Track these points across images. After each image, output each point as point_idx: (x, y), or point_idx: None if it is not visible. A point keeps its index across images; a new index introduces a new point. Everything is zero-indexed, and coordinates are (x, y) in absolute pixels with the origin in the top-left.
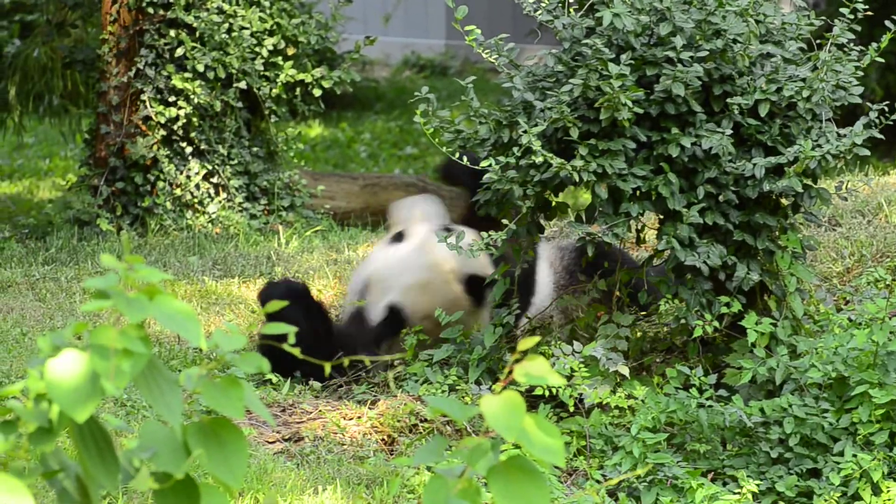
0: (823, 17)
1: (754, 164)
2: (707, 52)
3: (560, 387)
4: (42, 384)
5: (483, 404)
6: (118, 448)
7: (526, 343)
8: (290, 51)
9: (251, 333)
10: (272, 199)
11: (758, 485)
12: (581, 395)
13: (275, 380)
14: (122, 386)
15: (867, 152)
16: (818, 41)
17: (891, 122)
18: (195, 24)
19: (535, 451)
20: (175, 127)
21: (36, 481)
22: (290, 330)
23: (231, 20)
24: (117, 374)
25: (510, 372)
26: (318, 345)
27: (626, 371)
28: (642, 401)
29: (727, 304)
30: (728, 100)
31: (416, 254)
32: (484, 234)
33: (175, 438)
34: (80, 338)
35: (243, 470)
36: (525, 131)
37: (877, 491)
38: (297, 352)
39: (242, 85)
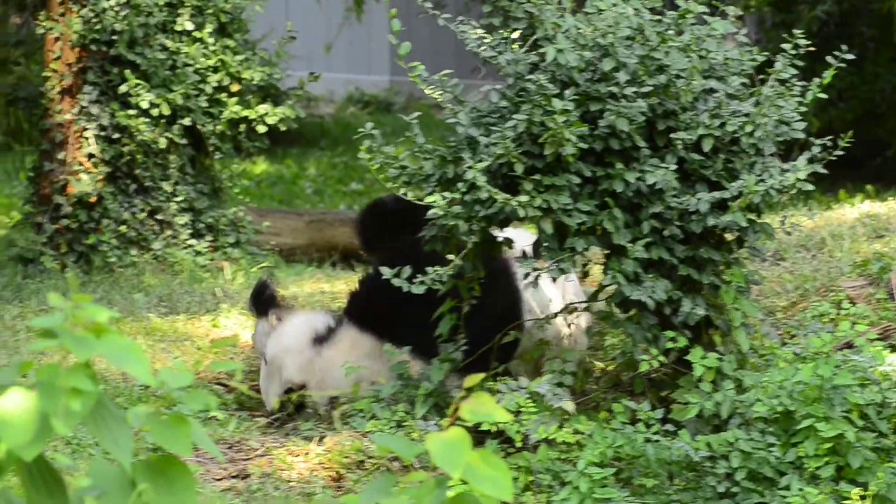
0: (766, 53)
1: (698, 199)
2: (651, 88)
3: (507, 423)
4: None
5: (428, 441)
6: (67, 487)
7: (472, 380)
8: (235, 87)
9: (197, 371)
10: (217, 236)
11: None
12: (528, 430)
13: (220, 417)
14: (72, 425)
15: (811, 187)
16: (761, 77)
17: (833, 157)
18: (139, 61)
19: (481, 486)
20: (119, 164)
21: None
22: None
23: (175, 57)
24: (67, 413)
25: (456, 409)
26: None
27: (571, 407)
28: (589, 436)
29: (673, 339)
30: (672, 135)
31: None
32: (430, 269)
33: (124, 476)
34: (26, 376)
35: None
36: (470, 167)
37: None
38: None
39: (187, 122)
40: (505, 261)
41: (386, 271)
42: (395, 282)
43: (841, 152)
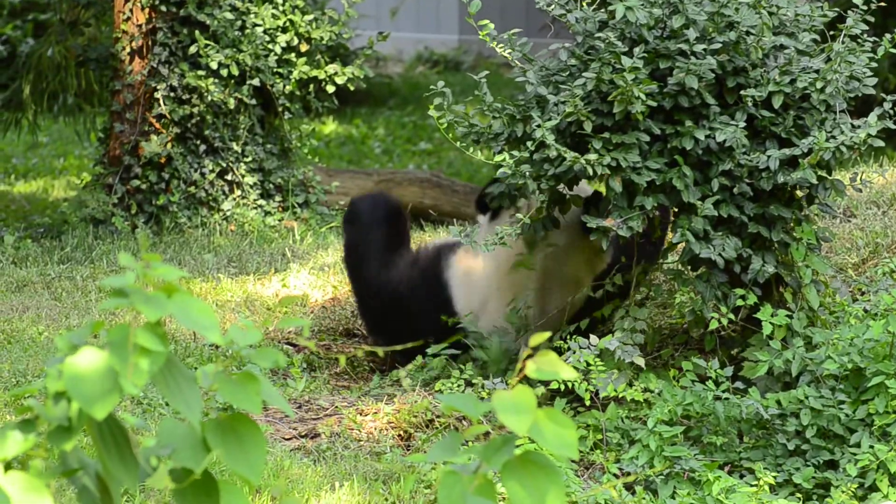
0: (836, 9)
1: (768, 157)
2: (720, 45)
3: (574, 381)
4: (60, 383)
5: (495, 400)
6: (137, 446)
7: (538, 338)
8: (304, 47)
9: (266, 329)
10: (286, 196)
11: (775, 477)
12: (597, 388)
13: (296, 373)
14: (141, 384)
15: (881, 143)
16: (831, 32)
17: None
18: (208, 22)
19: (547, 444)
20: (189, 124)
21: (56, 480)
22: None
23: (244, 17)
24: (136, 373)
25: (522, 367)
26: None
27: (641, 362)
28: (658, 394)
29: (742, 297)
30: (741, 92)
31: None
32: (498, 228)
33: (194, 435)
34: (97, 336)
35: (262, 466)
36: (539, 125)
37: (894, 482)
38: None
39: (256, 82)
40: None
41: (454, 230)
42: (464, 241)
43: None
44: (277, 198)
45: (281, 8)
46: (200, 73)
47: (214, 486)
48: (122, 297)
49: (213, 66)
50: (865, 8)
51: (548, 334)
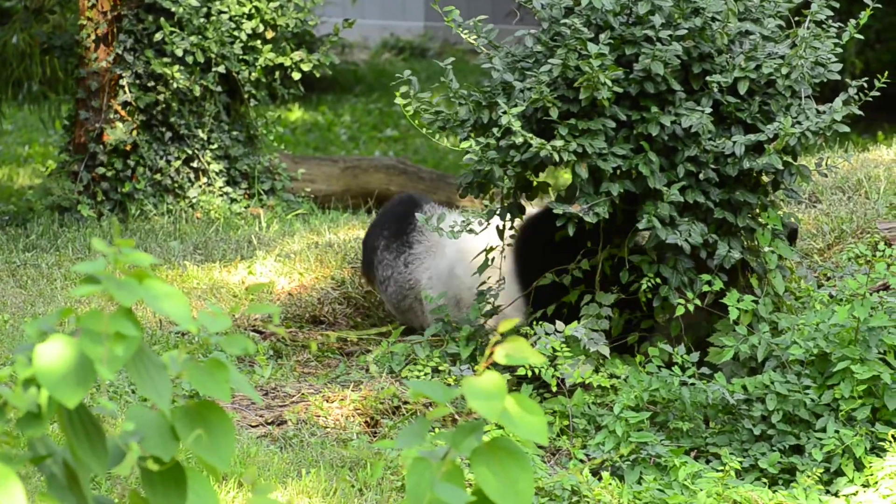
0: None
1: (734, 142)
2: (686, 31)
3: (541, 366)
4: (30, 370)
5: (464, 386)
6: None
7: (507, 324)
8: (269, 34)
9: (234, 316)
10: (252, 183)
11: (740, 462)
12: (563, 375)
13: (262, 360)
14: (116, 370)
15: (847, 129)
16: (796, 18)
17: (870, 99)
18: (173, 9)
19: (517, 430)
20: (154, 112)
21: (24, 467)
22: None
23: (209, 4)
24: (111, 359)
25: (491, 353)
26: None
27: (606, 351)
28: (625, 380)
29: (709, 283)
30: (707, 78)
31: None
32: (464, 214)
33: (163, 422)
34: (64, 324)
35: (231, 453)
36: (504, 112)
37: (859, 466)
38: None
39: (221, 69)
40: None
41: (420, 217)
42: (430, 227)
43: (877, 93)
44: (243, 185)
45: None
46: (166, 60)
47: (182, 474)
48: (94, 283)
49: (179, 53)
50: None
51: (517, 320)
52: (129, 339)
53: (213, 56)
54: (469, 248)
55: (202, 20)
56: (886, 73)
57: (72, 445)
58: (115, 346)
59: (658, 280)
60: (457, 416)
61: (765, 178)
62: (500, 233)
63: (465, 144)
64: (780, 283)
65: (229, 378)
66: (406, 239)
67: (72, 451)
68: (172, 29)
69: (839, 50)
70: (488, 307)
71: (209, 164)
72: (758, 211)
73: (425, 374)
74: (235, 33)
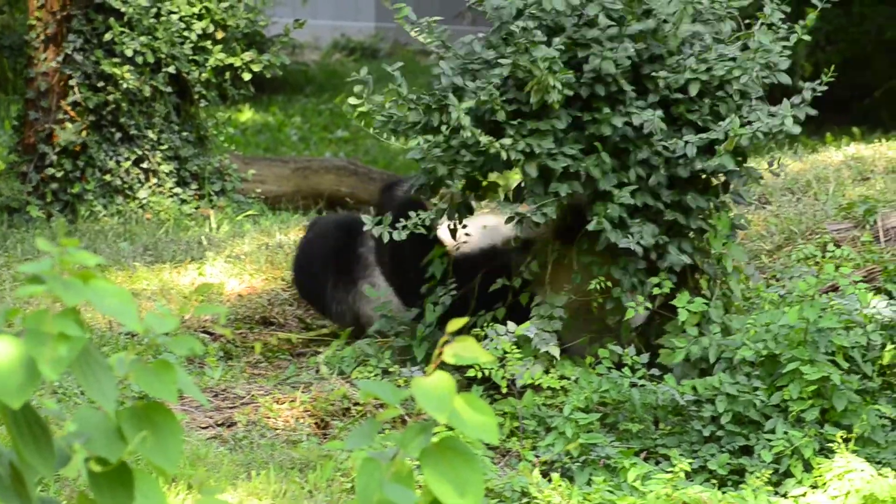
0: None
1: (685, 143)
2: (637, 31)
3: (492, 367)
4: None
5: (414, 386)
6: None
7: (455, 324)
8: (219, 35)
9: (182, 317)
10: (203, 184)
11: (690, 463)
12: (514, 376)
13: (212, 362)
14: (61, 370)
15: (797, 129)
16: (747, 21)
17: (820, 98)
18: (123, 9)
19: (467, 430)
20: (104, 112)
21: None
22: None
23: (159, 4)
24: (55, 359)
25: (440, 353)
26: None
27: (556, 352)
28: (575, 381)
29: (658, 285)
30: (656, 75)
31: None
32: (412, 213)
33: (109, 423)
34: (12, 325)
35: (179, 455)
36: (454, 107)
37: (808, 468)
38: None
39: (171, 70)
40: None
41: (366, 219)
42: (376, 230)
43: (824, 89)
44: (193, 186)
45: None
46: (115, 60)
47: (129, 475)
48: (39, 284)
49: (129, 53)
50: None
51: (465, 320)
52: (73, 339)
53: (163, 56)
54: None
55: (152, 20)
56: (833, 67)
57: (17, 447)
58: (60, 347)
59: (608, 283)
60: (407, 418)
61: (715, 181)
62: (453, 232)
63: (412, 143)
64: (736, 286)
65: (176, 379)
66: (352, 277)
67: (17, 452)
68: (122, 29)
69: (789, 52)
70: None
71: (159, 164)
72: (708, 213)
73: (375, 376)
74: (185, 34)
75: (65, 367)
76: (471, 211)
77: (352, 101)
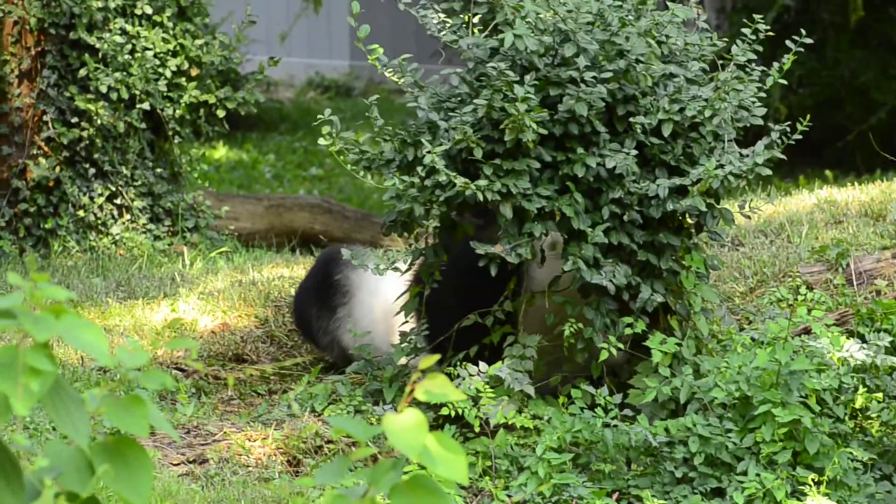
0: (726, 38)
1: (658, 185)
2: (611, 73)
3: (464, 405)
4: None
5: (385, 423)
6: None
7: (427, 361)
8: (194, 72)
9: (154, 353)
10: (176, 221)
11: None
12: (486, 415)
13: (183, 399)
14: (31, 405)
15: (769, 172)
16: (721, 62)
17: (793, 143)
18: (98, 45)
19: (437, 468)
20: (78, 148)
21: None
22: None
23: (134, 41)
24: (25, 394)
25: (412, 391)
26: None
27: (531, 391)
28: (548, 421)
29: (630, 325)
30: (631, 119)
31: None
32: (389, 253)
33: (81, 458)
34: None
35: (149, 489)
36: (429, 151)
37: None
38: None
39: (146, 106)
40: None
41: (345, 252)
42: (355, 262)
43: (799, 136)
44: (167, 222)
45: (171, 32)
46: (90, 96)
47: None
48: (9, 318)
49: (103, 89)
50: (754, 37)
51: (437, 357)
52: (44, 374)
53: (137, 93)
54: (382, 298)
55: (127, 57)
56: (809, 116)
57: None
58: (30, 381)
59: (579, 325)
60: (379, 455)
61: (688, 221)
62: (426, 273)
63: (388, 183)
64: (704, 326)
65: (147, 414)
66: (330, 303)
67: None
68: (97, 65)
69: (763, 94)
70: (409, 347)
71: (133, 200)
72: (681, 253)
73: (347, 413)
74: (160, 70)
75: (35, 401)
76: (447, 250)
77: (322, 141)
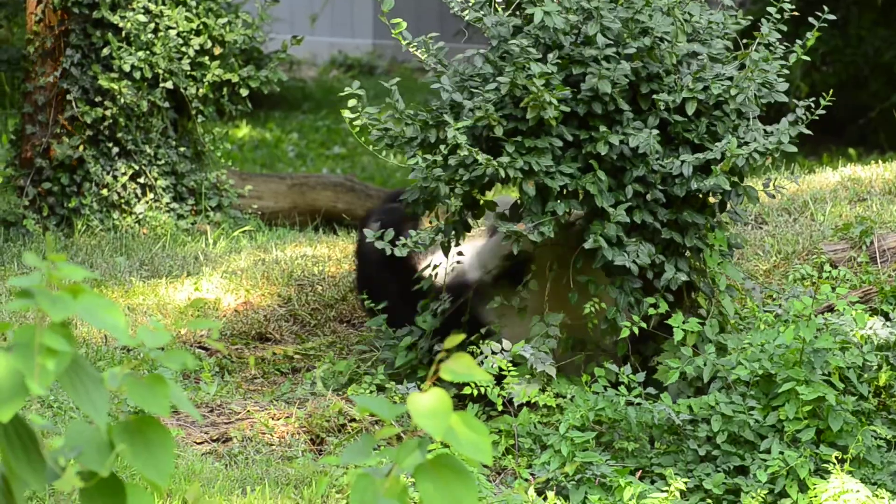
0: (749, 17)
1: (682, 162)
2: (634, 50)
3: (488, 384)
4: None
5: (410, 403)
6: (44, 448)
7: (452, 340)
8: (217, 50)
9: (177, 332)
10: (199, 200)
11: (685, 482)
12: (510, 394)
13: (207, 377)
14: (47, 385)
15: (794, 149)
16: (744, 41)
17: (816, 118)
18: (121, 24)
19: (462, 448)
20: (101, 127)
21: None
22: None
23: (157, 20)
24: (41, 373)
25: (437, 370)
26: None
27: (553, 371)
28: (571, 399)
29: (654, 305)
30: (655, 97)
31: None
32: (412, 231)
33: (101, 437)
34: (5, 338)
35: (170, 468)
36: (451, 126)
37: (803, 488)
38: None
39: (169, 85)
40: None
41: (368, 234)
42: (378, 244)
43: (822, 112)
44: (190, 201)
45: (195, 11)
46: (113, 75)
47: (121, 489)
48: (27, 298)
49: (126, 68)
50: (779, 17)
51: (461, 336)
52: (60, 353)
53: (160, 72)
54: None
55: (150, 36)
56: (832, 92)
57: (7, 460)
58: (46, 361)
59: (603, 305)
60: (402, 434)
61: (712, 199)
62: (446, 249)
63: (411, 161)
64: (729, 305)
65: (169, 393)
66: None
67: (7, 465)
68: (120, 44)
69: (786, 72)
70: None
71: (156, 179)
72: (705, 232)
73: (371, 392)
74: (183, 49)
75: (51, 381)
76: (468, 229)
77: (346, 114)
